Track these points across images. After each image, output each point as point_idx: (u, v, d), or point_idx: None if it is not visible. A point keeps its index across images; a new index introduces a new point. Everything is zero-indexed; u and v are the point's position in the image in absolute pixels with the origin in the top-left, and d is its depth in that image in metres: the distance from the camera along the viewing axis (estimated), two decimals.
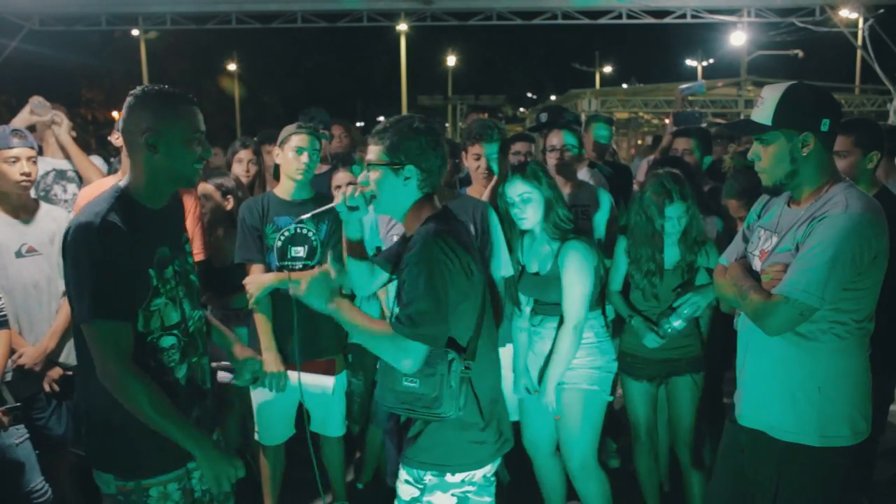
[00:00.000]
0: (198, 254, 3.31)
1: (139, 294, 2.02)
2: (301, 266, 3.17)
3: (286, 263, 3.16)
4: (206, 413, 2.25)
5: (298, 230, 3.18)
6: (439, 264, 1.99)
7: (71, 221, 2.05)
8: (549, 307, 3.01)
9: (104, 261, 1.93)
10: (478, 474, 2.15)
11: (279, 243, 3.16)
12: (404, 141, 2.09)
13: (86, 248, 1.94)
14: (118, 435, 2.05)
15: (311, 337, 3.16)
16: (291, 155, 3.16)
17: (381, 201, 2.16)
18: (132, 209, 2.03)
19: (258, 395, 3.24)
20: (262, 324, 3.12)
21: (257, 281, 3.09)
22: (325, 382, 3.12)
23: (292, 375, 3.10)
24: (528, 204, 2.92)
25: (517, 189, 2.93)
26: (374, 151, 2.13)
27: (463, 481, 2.12)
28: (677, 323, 2.98)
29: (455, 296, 2.02)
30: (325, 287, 2.08)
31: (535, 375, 3.08)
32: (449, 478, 2.11)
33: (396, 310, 2.07)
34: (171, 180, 2.10)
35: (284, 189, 3.23)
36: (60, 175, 3.94)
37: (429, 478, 2.12)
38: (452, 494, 2.13)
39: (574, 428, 2.94)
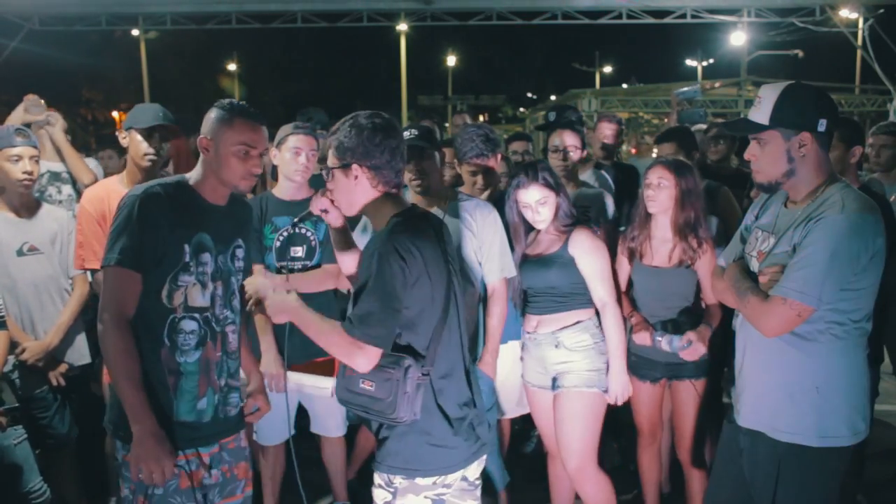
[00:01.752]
0: None
1: (168, 263, 2.15)
2: (300, 266, 3.17)
3: (285, 264, 3.16)
4: (221, 410, 2.29)
5: (297, 230, 3.18)
6: (391, 267, 1.96)
7: None
8: (543, 296, 3.01)
9: (136, 220, 2.11)
10: (451, 477, 2.12)
11: (278, 243, 3.16)
12: (347, 140, 2.07)
13: (126, 207, 2.14)
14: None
15: (308, 338, 3.16)
16: (289, 156, 3.15)
17: (341, 203, 2.16)
18: (184, 192, 2.24)
19: None
20: (262, 325, 3.12)
21: (257, 284, 3.08)
22: (325, 383, 3.11)
23: (291, 376, 3.09)
24: (544, 206, 2.96)
25: (534, 195, 2.96)
26: (329, 155, 2.13)
27: (435, 483, 2.10)
28: (665, 346, 3.00)
29: (409, 300, 2.00)
30: (281, 303, 2.12)
31: (533, 374, 3.08)
32: (419, 480, 2.09)
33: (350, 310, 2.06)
34: (220, 183, 2.26)
35: (282, 189, 3.23)
36: (55, 176, 3.93)
37: (399, 480, 2.10)
38: (425, 497, 2.11)
39: (573, 430, 2.94)
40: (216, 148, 2.20)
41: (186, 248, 2.18)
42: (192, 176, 2.29)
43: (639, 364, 3.17)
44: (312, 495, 3.50)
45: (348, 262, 2.34)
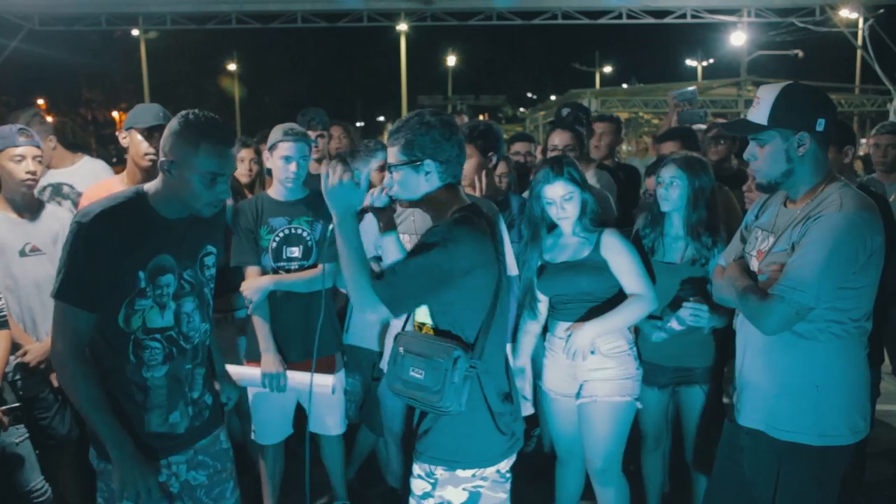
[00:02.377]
0: None
1: (122, 290, 2.08)
2: (297, 266, 3.17)
3: (282, 264, 3.16)
4: (196, 420, 2.27)
5: (293, 231, 3.18)
6: (445, 249, 2.02)
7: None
8: (575, 303, 2.96)
9: (83, 250, 2.02)
10: (489, 470, 2.17)
11: (274, 244, 3.16)
12: (418, 137, 2.12)
13: (73, 234, 2.05)
14: None
15: (308, 336, 3.17)
16: (280, 163, 3.15)
17: (407, 199, 2.22)
18: (140, 212, 2.11)
19: (255, 395, 3.24)
20: (261, 325, 3.12)
21: (254, 285, 3.09)
22: (326, 380, 3.12)
23: (290, 375, 3.10)
24: (569, 202, 2.92)
25: (558, 190, 2.92)
26: (391, 153, 2.18)
27: (474, 476, 2.15)
28: (673, 324, 2.97)
29: (462, 289, 2.06)
30: (351, 194, 2.09)
31: (556, 382, 3.04)
32: (460, 472, 2.14)
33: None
34: (182, 205, 2.14)
35: (277, 190, 3.23)
36: (56, 191, 3.91)
37: (440, 472, 2.14)
38: (464, 489, 2.15)
39: (602, 436, 2.92)
40: (180, 171, 2.06)
41: (141, 274, 2.09)
42: (151, 189, 2.15)
43: (647, 370, 3.16)
44: (312, 495, 3.50)
45: (393, 247, 2.37)
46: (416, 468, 2.20)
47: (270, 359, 3.09)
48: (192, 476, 2.27)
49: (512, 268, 3.11)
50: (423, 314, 2.20)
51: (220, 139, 2.10)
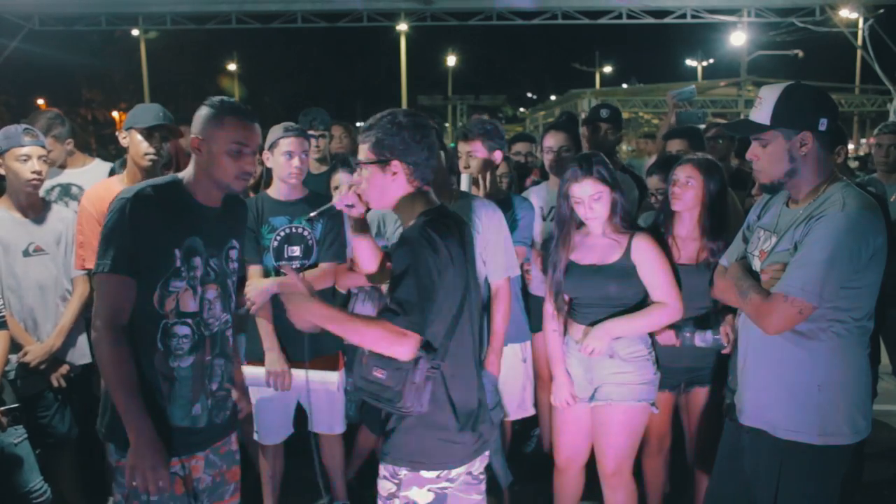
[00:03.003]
0: None
1: (159, 268, 2.13)
2: (298, 265, 3.17)
3: (283, 263, 3.16)
4: (215, 415, 2.28)
5: (294, 230, 3.18)
6: (426, 258, 2.01)
7: None
8: (596, 307, 2.90)
9: (127, 224, 2.08)
10: (455, 472, 2.16)
11: (275, 243, 3.17)
12: (388, 137, 2.09)
13: (117, 210, 2.10)
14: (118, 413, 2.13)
15: (313, 335, 3.16)
16: (282, 160, 3.15)
17: (374, 198, 2.18)
18: (177, 194, 2.20)
19: (257, 394, 3.24)
20: (264, 325, 3.12)
21: (259, 288, 3.08)
22: (332, 377, 3.13)
23: (296, 374, 3.10)
24: (598, 202, 2.85)
25: (587, 189, 2.84)
26: (362, 150, 2.16)
27: (438, 477, 2.13)
28: (700, 342, 2.94)
29: (438, 291, 2.04)
30: (305, 309, 2.09)
31: (579, 383, 2.98)
32: (424, 473, 2.12)
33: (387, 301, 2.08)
34: (213, 183, 2.22)
35: (278, 189, 3.23)
36: (65, 191, 3.92)
37: (404, 473, 2.13)
38: (429, 490, 2.14)
39: (616, 440, 2.90)
40: (208, 147, 2.18)
41: (177, 252, 2.15)
42: (185, 176, 2.25)
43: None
44: (311, 494, 3.50)
45: (364, 249, 2.36)
46: (381, 469, 2.19)
47: (275, 357, 3.09)
48: (202, 477, 2.28)
49: (514, 268, 3.11)
50: None
51: (244, 114, 2.21)
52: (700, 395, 3.12)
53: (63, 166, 3.98)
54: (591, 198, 2.84)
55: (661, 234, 3.10)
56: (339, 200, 2.27)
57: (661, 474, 3.33)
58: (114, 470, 2.21)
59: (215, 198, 2.27)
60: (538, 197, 3.78)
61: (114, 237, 2.09)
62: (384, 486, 2.18)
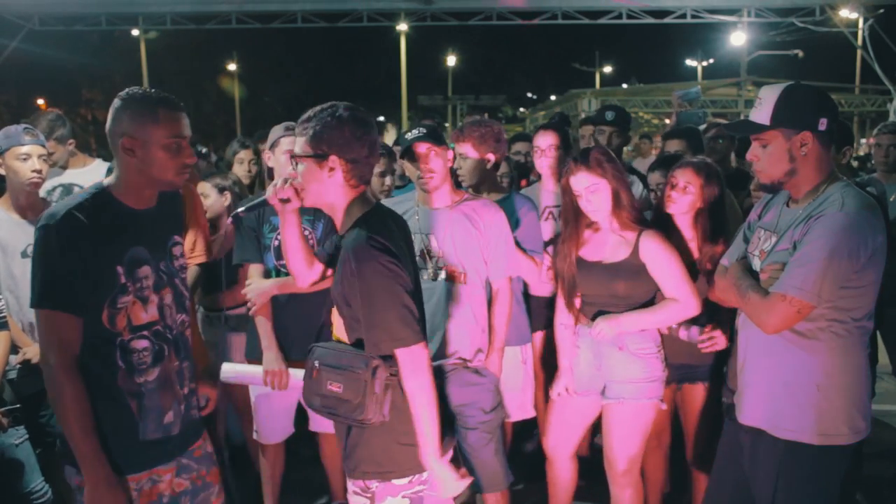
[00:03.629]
0: (199, 256, 3.31)
1: (102, 289, 1.99)
2: None
3: (284, 262, 3.16)
4: (187, 418, 2.21)
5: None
6: (382, 266, 1.96)
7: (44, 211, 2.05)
8: (603, 305, 2.89)
9: (57, 252, 1.93)
10: (426, 473, 2.10)
11: (276, 242, 3.16)
12: (327, 130, 2.00)
13: (43, 238, 1.95)
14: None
15: (311, 334, 3.17)
16: (283, 159, 3.13)
17: (308, 194, 2.09)
18: (107, 207, 2.03)
19: (256, 394, 3.24)
20: (262, 324, 3.12)
21: (259, 289, 3.07)
22: None
23: (294, 373, 3.10)
24: (594, 194, 2.82)
25: (582, 181, 2.82)
26: (298, 143, 2.06)
27: (411, 481, 2.09)
28: (683, 334, 2.95)
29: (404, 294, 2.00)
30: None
31: (588, 375, 2.97)
32: (396, 482, 2.07)
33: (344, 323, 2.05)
34: (150, 184, 2.07)
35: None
36: (67, 191, 3.91)
37: (375, 485, 2.08)
38: (403, 497, 2.09)
39: (627, 438, 2.90)
40: (143, 148, 2.00)
41: (119, 269, 2.01)
42: (113, 182, 2.07)
43: None
44: (312, 494, 3.51)
45: (296, 252, 2.28)
46: (351, 485, 2.13)
47: (272, 357, 3.09)
48: (176, 482, 2.21)
49: (514, 269, 3.10)
50: (339, 329, 2.15)
51: (174, 104, 2.04)
52: (693, 392, 3.12)
53: (65, 167, 3.98)
54: (587, 189, 2.82)
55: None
56: (272, 195, 2.16)
57: (660, 471, 3.34)
58: (73, 491, 2.14)
59: (149, 198, 2.11)
60: (531, 197, 3.76)
61: (44, 269, 1.95)
62: (357, 502, 2.12)
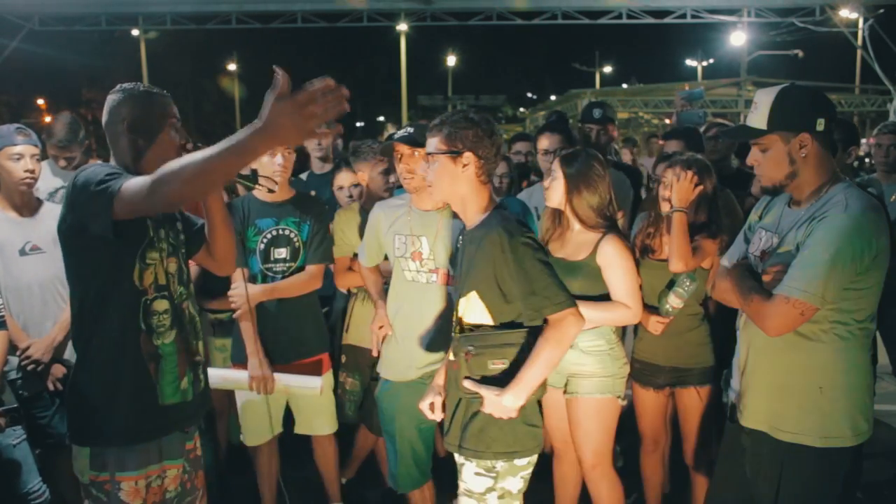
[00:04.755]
0: (227, 267, 3.31)
1: (136, 233, 2.09)
2: (284, 268, 3.17)
3: (269, 266, 3.15)
4: (199, 383, 2.29)
5: (281, 232, 3.17)
6: (526, 244, 2.14)
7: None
8: None
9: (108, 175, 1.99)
10: (535, 456, 2.29)
11: (262, 246, 3.15)
12: (461, 129, 2.20)
13: (94, 171, 2.02)
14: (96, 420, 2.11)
15: (296, 338, 3.17)
16: (266, 159, 3.11)
17: (440, 189, 2.28)
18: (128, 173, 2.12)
19: (242, 397, 3.24)
20: (247, 329, 3.11)
21: (244, 294, 3.04)
22: (314, 382, 3.11)
23: (278, 377, 3.09)
24: (554, 181, 2.94)
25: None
26: (431, 143, 2.25)
27: (529, 462, 2.27)
28: (675, 300, 2.95)
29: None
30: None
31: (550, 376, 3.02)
32: (518, 462, 2.24)
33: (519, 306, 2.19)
34: (153, 163, 2.05)
35: (264, 191, 3.21)
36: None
37: (500, 465, 2.22)
38: (521, 477, 2.26)
39: (589, 433, 2.93)
40: (146, 129, 2.18)
41: (148, 221, 2.14)
42: (120, 165, 2.17)
43: (643, 371, 3.16)
44: (309, 495, 3.50)
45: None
46: (471, 466, 2.26)
47: (257, 362, 3.08)
48: (175, 480, 2.26)
49: None
50: (472, 316, 2.26)
51: (162, 93, 2.22)
52: (686, 395, 3.13)
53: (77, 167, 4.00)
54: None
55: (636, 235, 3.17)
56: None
57: (658, 473, 3.34)
58: (88, 486, 2.13)
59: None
60: (533, 198, 3.77)
61: (97, 184, 1.97)
62: (479, 483, 2.25)
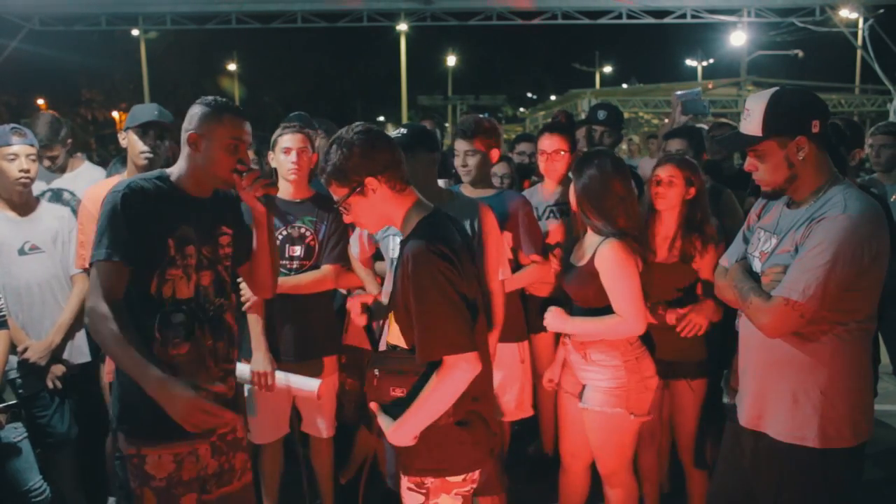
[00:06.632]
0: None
1: (155, 254, 2.19)
2: (298, 266, 3.17)
3: (284, 262, 3.15)
4: (221, 398, 2.28)
5: (296, 230, 3.18)
6: (440, 271, 1.95)
7: None
8: (578, 308, 2.90)
9: (122, 214, 2.15)
10: (477, 472, 2.15)
11: (276, 242, 3.16)
12: (345, 163, 2.03)
13: (110, 202, 2.19)
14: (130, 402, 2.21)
15: (304, 338, 3.16)
16: (282, 157, 3.16)
17: (370, 223, 2.18)
18: (166, 186, 2.28)
19: (249, 394, 3.23)
20: (254, 323, 3.11)
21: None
22: (312, 384, 3.10)
23: (280, 374, 3.09)
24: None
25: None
26: (334, 192, 2.11)
27: (465, 480, 2.13)
28: (672, 319, 2.98)
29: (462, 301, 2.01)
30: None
31: (568, 383, 2.99)
32: (450, 478, 2.11)
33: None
34: (208, 177, 2.29)
35: (283, 190, 3.22)
36: (56, 196, 3.89)
37: (430, 481, 2.12)
38: (456, 494, 2.13)
39: (599, 445, 2.90)
40: (207, 143, 2.25)
41: (170, 241, 2.21)
42: (174, 171, 2.31)
43: None
44: (309, 496, 3.49)
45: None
46: (406, 481, 2.17)
47: (261, 357, 3.08)
48: (210, 462, 2.33)
49: (507, 271, 3.07)
50: (395, 335, 2.20)
51: (239, 112, 2.31)
52: (680, 388, 3.13)
53: (64, 168, 3.98)
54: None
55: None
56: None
57: (654, 468, 3.34)
58: (123, 459, 2.26)
59: (206, 190, 2.33)
60: (532, 198, 3.75)
61: (108, 228, 2.15)
62: (412, 499, 2.16)
